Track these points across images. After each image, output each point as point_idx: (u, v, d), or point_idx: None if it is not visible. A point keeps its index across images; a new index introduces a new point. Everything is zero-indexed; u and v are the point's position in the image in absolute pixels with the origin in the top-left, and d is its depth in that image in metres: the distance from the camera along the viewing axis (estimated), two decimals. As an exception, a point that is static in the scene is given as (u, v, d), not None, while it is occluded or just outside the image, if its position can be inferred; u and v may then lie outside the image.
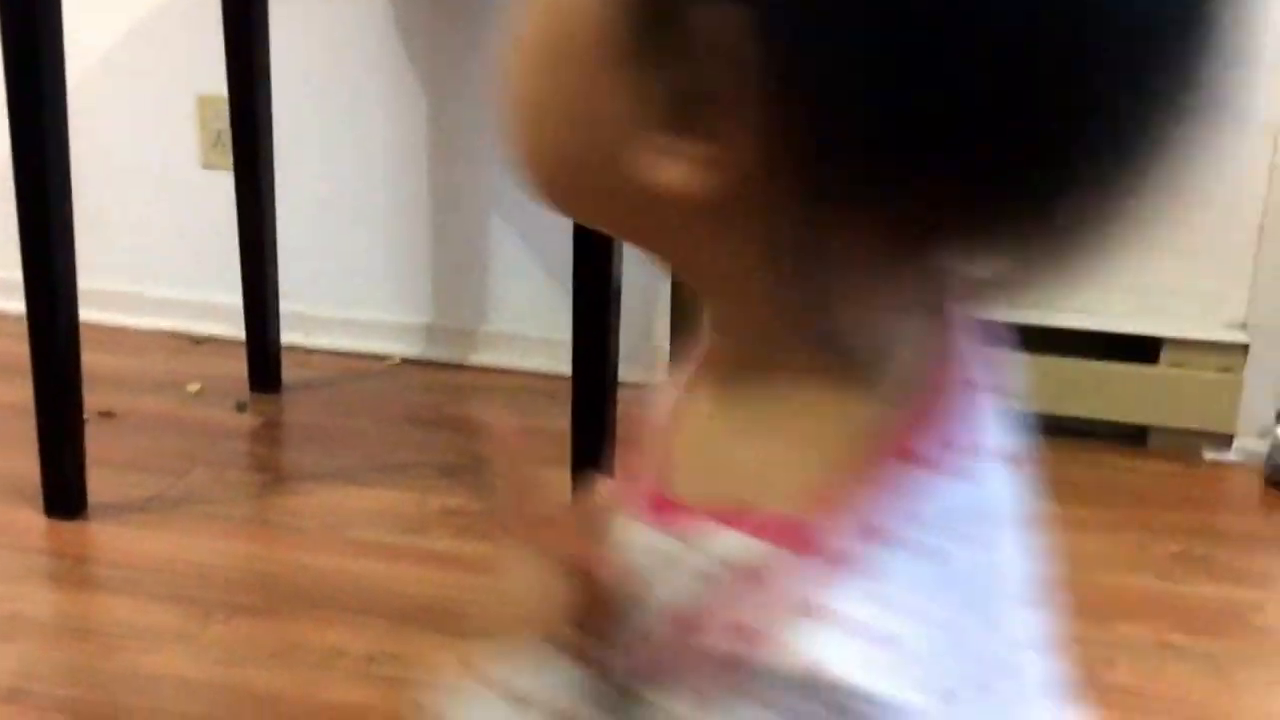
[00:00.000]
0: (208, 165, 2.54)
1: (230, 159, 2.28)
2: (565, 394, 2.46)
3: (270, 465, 2.13)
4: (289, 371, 2.41)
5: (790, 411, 0.47)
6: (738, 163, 0.41)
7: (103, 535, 1.85)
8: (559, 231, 2.39)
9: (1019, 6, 0.38)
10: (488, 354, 2.51)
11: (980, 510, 0.47)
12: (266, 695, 1.53)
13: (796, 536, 0.43)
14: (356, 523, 1.90)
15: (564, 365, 2.44)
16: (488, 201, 2.45)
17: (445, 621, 1.65)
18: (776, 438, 0.47)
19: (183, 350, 2.57)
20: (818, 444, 0.46)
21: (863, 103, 0.39)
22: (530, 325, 2.47)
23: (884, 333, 0.47)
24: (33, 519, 1.86)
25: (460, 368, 2.51)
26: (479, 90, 2.38)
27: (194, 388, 2.36)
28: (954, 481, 0.45)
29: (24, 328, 1.81)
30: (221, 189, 2.38)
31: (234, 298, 2.39)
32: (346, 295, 2.55)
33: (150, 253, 2.61)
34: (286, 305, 2.41)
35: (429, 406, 2.33)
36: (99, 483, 1.91)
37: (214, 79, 2.37)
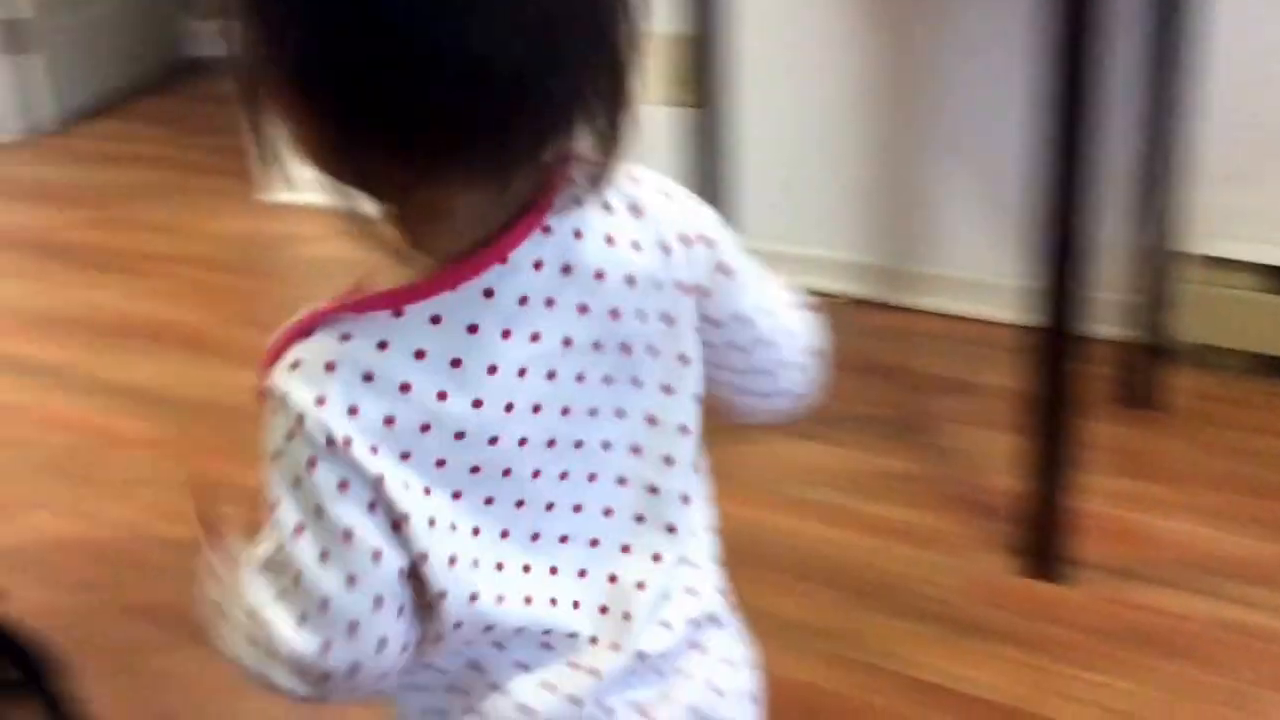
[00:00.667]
0: (668, 102, 2.63)
1: (692, 96, 2.35)
2: (1010, 343, 2.42)
3: (712, 417, 2.21)
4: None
5: (377, 268, 0.72)
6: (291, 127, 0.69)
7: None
8: (1013, 178, 2.35)
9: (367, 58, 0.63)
10: (934, 297, 2.50)
11: (434, 349, 0.71)
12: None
13: (304, 323, 0.72)
14: (801, 479, 1.96)
15: (1009, 312, 2.42)
16: (942, 145, 2.42)
17: (889, 599, 1.69)
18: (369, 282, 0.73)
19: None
20: (376, 284, 0.72)
21: (310, 99, 0.66)
22: (981, 271, 2.45)
23: (424, 225, 0.71)
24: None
25: (907, 310, 2.51)
26: (940, 35, 2.34)
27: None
28: (409, 324, 0.71)
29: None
30: (680, 125, 2.47)
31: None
32: (798, 232, 2.60)
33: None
34: (740, 239, 2.48)
35: (871, 352, 2.35)
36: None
37: (676, 17, 2.44)
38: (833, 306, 2.51)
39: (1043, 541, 1.71)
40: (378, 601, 0.72)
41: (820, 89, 2.49)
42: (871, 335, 2.42)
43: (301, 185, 3.36)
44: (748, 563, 1.77)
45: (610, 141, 0.71)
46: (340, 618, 0.72)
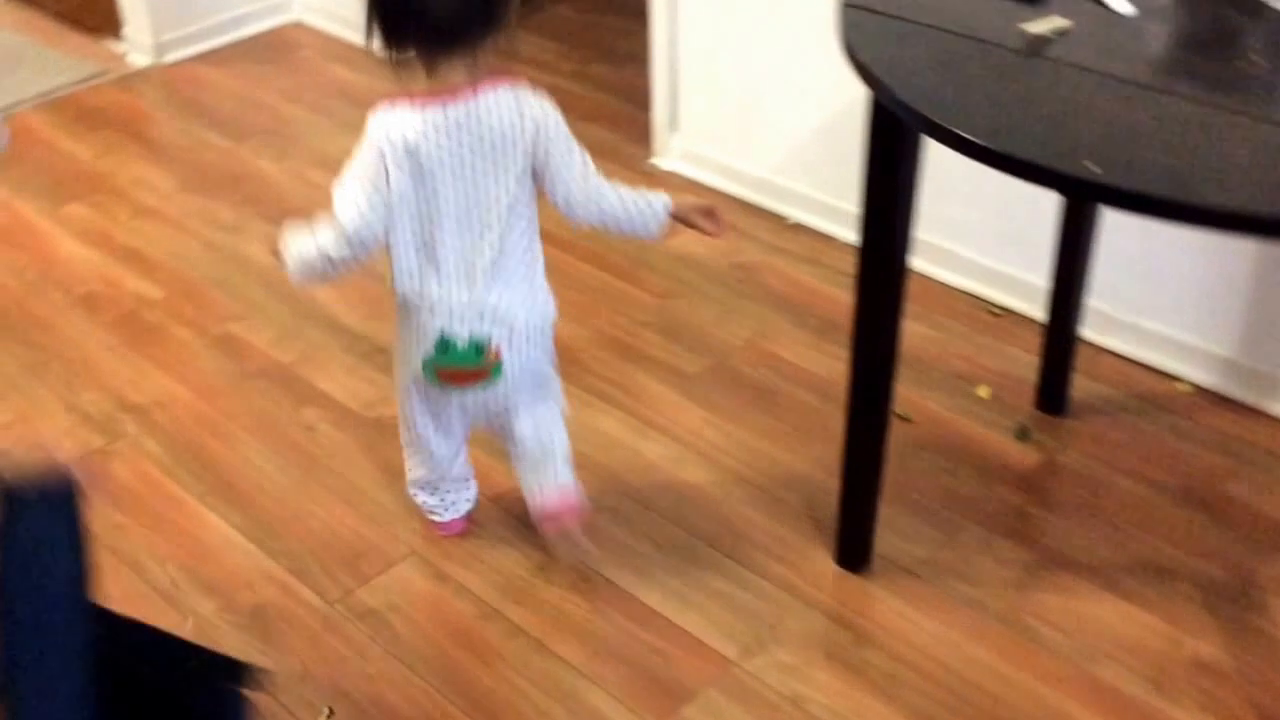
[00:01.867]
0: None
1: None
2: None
3: (1036, 536, 2.21)
4: (1078, 379, 2.45)
5: (405, 91, 1.85)
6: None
7: (880, 605, 2.06)
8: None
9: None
10: (1287, 407, 2.40)
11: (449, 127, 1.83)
12: None
13: (384, 103, 1.86)
14: (1103, 652, 1.97)
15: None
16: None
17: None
18: None
19: (981, 322, 2.68)
20: (404, 96, 1.86)
21: (382, 27, 1.80)
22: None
23: (423, 76, 1.82)
24: (823, 564, 2.13)
25: (1254, 412, 2.42)
26: None
27: (983, 393, 2.48)
28: (409, 111, 1.82)
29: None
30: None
31: (1040, 279, 2.45)
32: (1153, 306, 2.51)
33: (972, 219, 2.71)
34: (1090, 299, 2.43)
35: (1210, 476, 2.29)
36: (887, 519, 2.13)
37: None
38: (1175, 395, 2.46)
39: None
40: (373, 204, 1.82)
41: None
42: (1215, 444, 2.36)
43: (700, 159, 3.49)
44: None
45: (498, 54, 1.81)
46: (355, 207, 1.82)
